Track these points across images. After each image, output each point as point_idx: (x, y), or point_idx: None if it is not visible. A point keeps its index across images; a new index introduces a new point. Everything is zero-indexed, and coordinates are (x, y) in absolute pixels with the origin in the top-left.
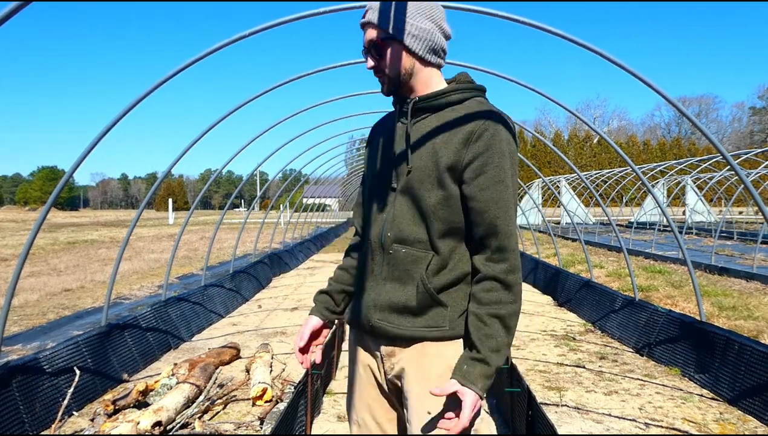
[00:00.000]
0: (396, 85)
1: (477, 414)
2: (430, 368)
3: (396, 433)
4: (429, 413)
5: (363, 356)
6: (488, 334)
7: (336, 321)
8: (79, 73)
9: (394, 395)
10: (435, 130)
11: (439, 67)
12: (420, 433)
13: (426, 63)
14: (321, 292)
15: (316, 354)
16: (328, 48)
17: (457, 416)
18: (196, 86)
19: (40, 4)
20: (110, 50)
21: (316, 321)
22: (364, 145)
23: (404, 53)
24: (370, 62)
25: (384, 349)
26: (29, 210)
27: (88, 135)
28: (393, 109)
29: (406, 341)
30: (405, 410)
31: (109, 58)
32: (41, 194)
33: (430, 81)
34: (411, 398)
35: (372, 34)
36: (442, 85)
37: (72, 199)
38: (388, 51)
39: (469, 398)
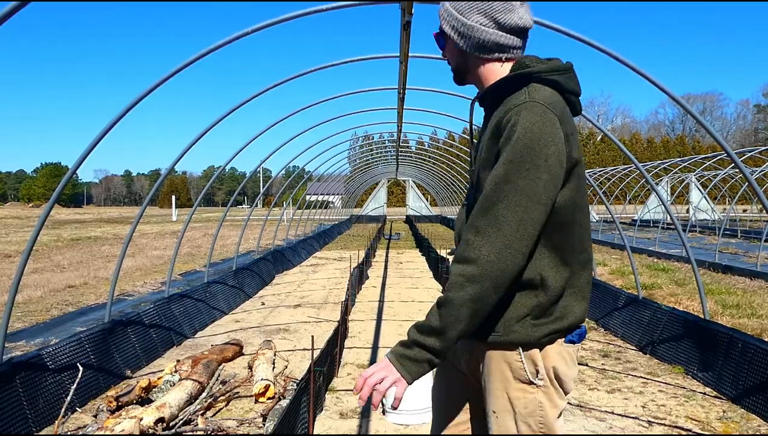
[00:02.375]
0: (458, 77)
1: (380, 380)
2: (495, 371)
3: (454, 416)
4: (494, 412)
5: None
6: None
7: (339, 319)
8: (83, 69)
9: (471, 387)
10: (487, 127)
11: (501, 60)
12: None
13: (480, 59)
14: None
15: None
16: (331, 46)
17: None
18: (200, 83)
19: (41, 3)
20: (114, 47)
21: None
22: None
23: (456, 49)
24: (440, 52)
25: (461, 343)
26: (33, 207)
27: (91, 132)
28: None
29: (471, 342)
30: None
31: (113, 55)
32: (45, 191)
33: (490, 76)
34: (484, 394)
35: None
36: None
37: (75, 196)
38: (446, 45)
39: (379, 362)
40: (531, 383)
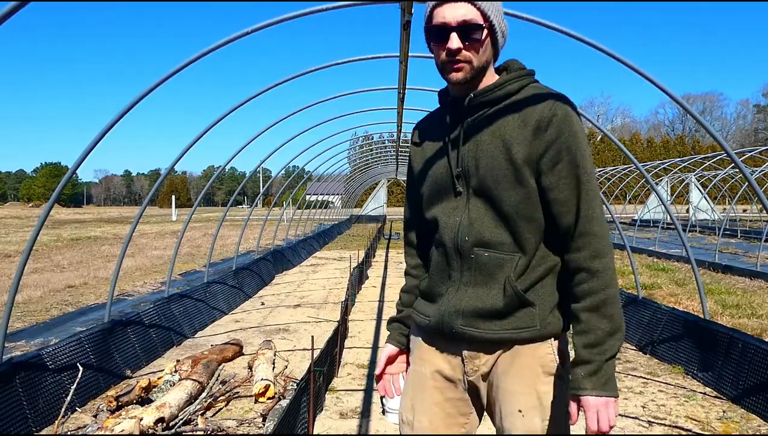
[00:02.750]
0: (474, 76)
1: (607, 419)
2: (521, 368)
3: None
4: (520, 411)
5: (434, 358)
6: (584, 330)
7: (339, 319)
8: (83, 69)
9: (471, 397)
10: (500, 125)
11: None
12: (510, 429)
13: (495, 60)
14: (392, 320)
15: (401, 383)
16: (331, 45)
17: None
18: (199, 83)
19: (41, 3)
20: (113, 47)
21: (390, 349)
22: (411, 145)
23: (492, 45)
24: (457, 43)
25: (467, 352)
26: (33, 206)
27: (91, 131)
28: (440, 104)
29: (493, 344)
30: (488, 409)
31: (113, 55)
32: (45, 191)
33: (490, 78)
34: (501, 396)
35: (470, 13)
36: (495, 78)
37: (75, 196)
38: (484, 39)
39: (587, 403)
40: (558, 375)
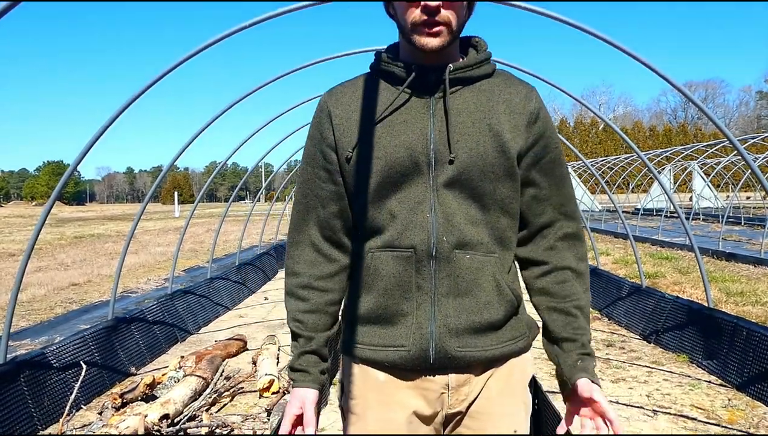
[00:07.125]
0: (451, 42)
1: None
2: (515, 386)
3: None
4: (516, 431)
5: (408, 398)
6: (582, 327)
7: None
8: (84, 66)
9: (445, 428)
10: (483, 109)
11: None
12: None
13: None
14: (306, 352)
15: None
16: (332, 39)
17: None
18: (200, 78)
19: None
20: (113, 44)
21: (310, 395)
22: (323, 118)
23: (466, 6)
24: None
25: (455, 379)
26: (36, 205)
27: (94, 129)
28: (374, 74)
29: (488, 363)
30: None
31: (113, 52)
32: (47, 189)
33: (458, 47)
34: (495, 421)
35: None
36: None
37: (78, 194)
38: None
39: (590, 387)
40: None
